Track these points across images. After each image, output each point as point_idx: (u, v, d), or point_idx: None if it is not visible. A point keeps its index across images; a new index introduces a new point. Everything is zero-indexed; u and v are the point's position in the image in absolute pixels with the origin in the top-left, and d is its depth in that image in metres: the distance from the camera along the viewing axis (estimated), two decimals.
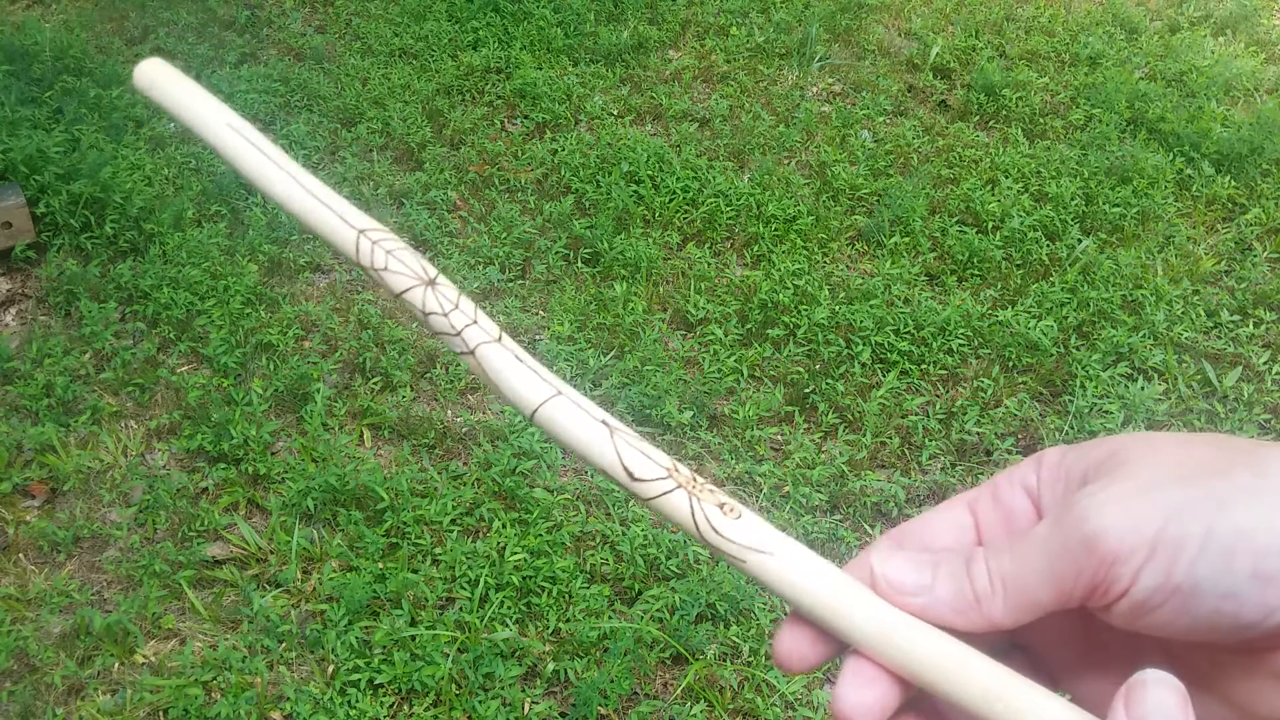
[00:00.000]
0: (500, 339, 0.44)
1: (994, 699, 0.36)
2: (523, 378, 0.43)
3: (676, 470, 0.42)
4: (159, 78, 0.48)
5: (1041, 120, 3.50)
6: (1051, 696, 0.36)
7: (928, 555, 0.38)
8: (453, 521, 2.08)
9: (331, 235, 0.46)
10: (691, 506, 0.41)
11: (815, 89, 3.66)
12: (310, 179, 0.47)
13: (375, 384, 2.39)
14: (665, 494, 0.41)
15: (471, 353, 0.44)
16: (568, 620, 1.94)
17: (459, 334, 0.44)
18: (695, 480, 0.42)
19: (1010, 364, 2.57)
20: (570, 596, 1.97)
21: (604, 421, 0.43)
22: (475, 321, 0.45)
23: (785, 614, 1.60)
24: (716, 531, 0.41)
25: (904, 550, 0.38)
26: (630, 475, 0.41)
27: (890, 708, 0.38)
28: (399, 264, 0.45)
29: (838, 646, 0.39)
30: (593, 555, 2.05)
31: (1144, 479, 0.34)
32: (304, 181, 0.47)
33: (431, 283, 0.45)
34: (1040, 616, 0.36)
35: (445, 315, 0.44)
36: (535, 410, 0.43)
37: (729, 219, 2.95)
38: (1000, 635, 0.41)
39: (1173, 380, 2.56)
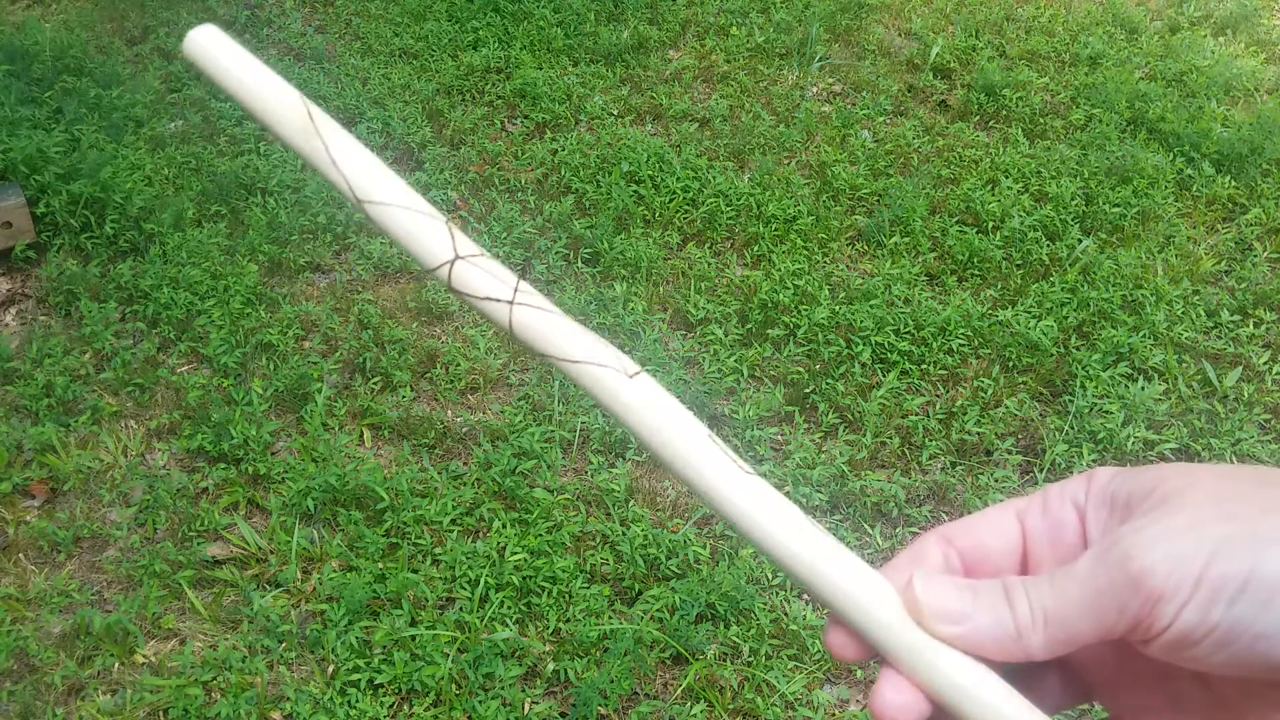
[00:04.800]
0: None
1: None
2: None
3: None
4: (211, 47, 0.44)
5: (1041, 120, 3.50)
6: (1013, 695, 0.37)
7: (967, 581, 0.38)
8: (453, 521, 2.08)
9: (419, 241, 0.43)
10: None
11: (815, 89, 3.66)
12: (390, 174, 0.44)
13: (375, 384, 2.39)
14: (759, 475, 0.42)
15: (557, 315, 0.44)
16: (568, 620, 1.94)
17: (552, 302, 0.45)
18: None
19: (1010, 364, 2.57)
20: (570, 596, 1.97)
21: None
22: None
23: (785, 614, 1.58)
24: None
25: (943, 575, 0.39)
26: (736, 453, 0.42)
27: (925, 711, 0.38)
28: (487, 263, 0.45)
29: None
30: (593, 555, 2.05)
31: (1188, 516, 0.35)
32: (387, 176, 0.44)
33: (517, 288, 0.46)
34: (1077, 649, 0.37)
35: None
36: (640, 372, 0.43)
37: (729, 219, 2.95)
38: None
39: (1173, 380, 2.56)
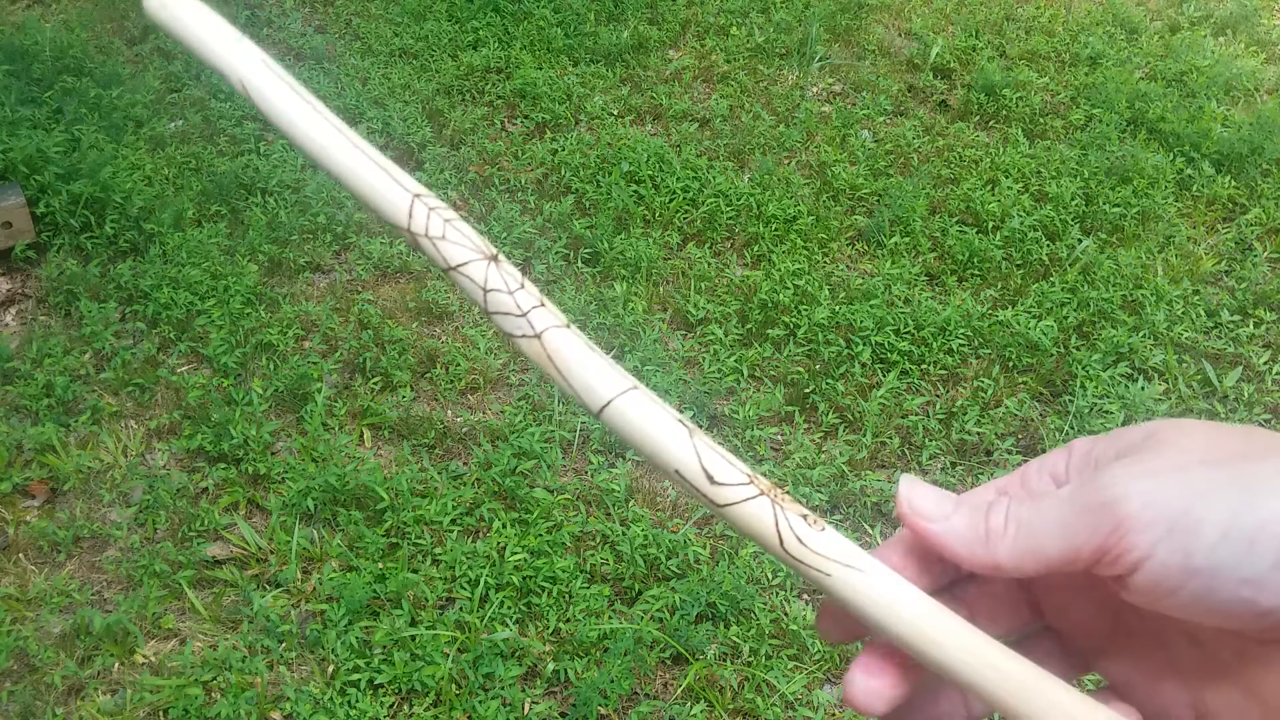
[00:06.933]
0: (569, 325, 0.40)
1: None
2: (596, 367, 0.39)
3: (756, 478, 0.39)
4: (172, 5, 0.40)
5: (1041, 120, 3.50)
6: (1069, 691, 0.37)
7: (954, 495, 0.39)
8: (453, 521, 2.08)
9: (379, 197, 0.40)
10: (775, 515, 0.38)
11: (815, 89, 3.66)
12: (354, 135, 0.41)
13: (375, 384, 2.39)
14: (746, 500, 0.38)
15: (538, 336, 0.39)
16: (568, 620, 1.94)
17: (525, 315, 0.40)
18: (775, 489, 0.39)
19: (1010, 364, 2.57)
20: (570, 596, 1.97)
21: (680, 421, 0.39)
22: (542, 304, 0.40)
23: (784, 614, 1.58)
24: (801, 542, 0.38)
25: (932, 486, 0.40)
26: (709, 478, 0.38)
27: (898, 697, 0.39)
28: (458, 234, 0.40)
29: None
30: (593, 555, 2.05)
31: (1174, 459, 0.35)
32: (348, 134, 0.40)
33: (494, 258, 0.40)
34: (1045, 572, 0.37)
35: (511, 294, 0.40)
36: (607, 404, 0.38)
37: (729, 219, 2.95)
38: (1031, 616, 0.42)
39: (1173, 380, 2.56)
